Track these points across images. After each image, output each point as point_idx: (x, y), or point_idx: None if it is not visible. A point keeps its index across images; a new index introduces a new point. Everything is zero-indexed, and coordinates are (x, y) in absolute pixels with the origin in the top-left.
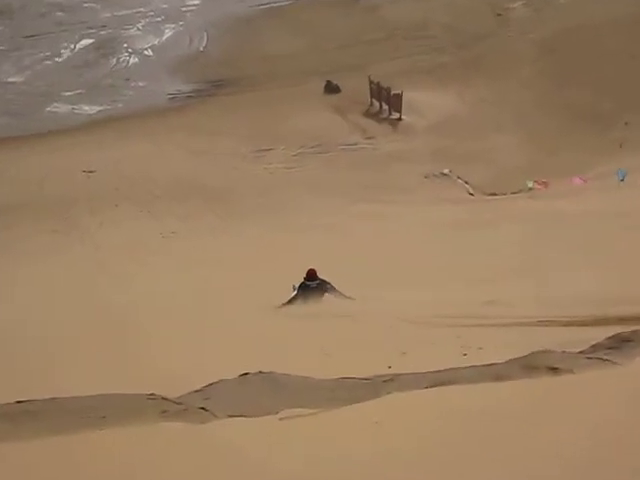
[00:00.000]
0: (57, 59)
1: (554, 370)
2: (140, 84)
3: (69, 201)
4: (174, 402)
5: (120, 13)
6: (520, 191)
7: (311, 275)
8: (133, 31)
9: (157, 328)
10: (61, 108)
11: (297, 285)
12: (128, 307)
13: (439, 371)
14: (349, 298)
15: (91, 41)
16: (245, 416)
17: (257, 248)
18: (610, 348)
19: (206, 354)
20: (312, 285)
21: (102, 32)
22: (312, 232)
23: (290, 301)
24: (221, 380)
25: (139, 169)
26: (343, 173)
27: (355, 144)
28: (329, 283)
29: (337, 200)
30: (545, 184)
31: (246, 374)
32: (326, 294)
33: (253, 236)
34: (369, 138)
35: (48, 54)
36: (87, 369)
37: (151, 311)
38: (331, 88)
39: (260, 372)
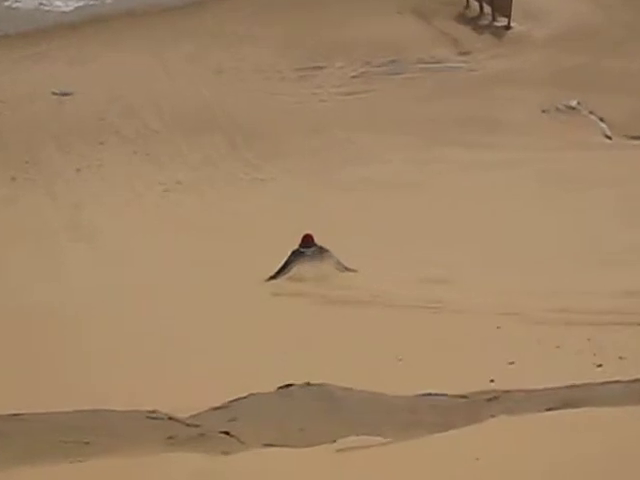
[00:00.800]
0: None
1: None
2: None
3: (34, 136)
4: (185, 423)
5: None
6: None
7: (307, 241)
8: None
9: (154, 318)
10: (23, 3)
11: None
12: (112, 289)
13: (564, 387)
14: (350, 270)
15: None
16: (287, 446)
17: (294, 210)
18: None
19: (225, 355)
20: (307, 253)
21: None
22: (377, 189)
23: (278, 272)
24: (251, 394)
25: (134, 92)
26: (425, 103)
27: (443, 62)
28: (328, 250)
29: (415, 142)
30: None
31: (288, 386)
32: (323, 263)
33: (291, 192)
34: (464, 54)
35: None
36: (62, 374)
37: (144, 295)
38: None
39: (308, 384)
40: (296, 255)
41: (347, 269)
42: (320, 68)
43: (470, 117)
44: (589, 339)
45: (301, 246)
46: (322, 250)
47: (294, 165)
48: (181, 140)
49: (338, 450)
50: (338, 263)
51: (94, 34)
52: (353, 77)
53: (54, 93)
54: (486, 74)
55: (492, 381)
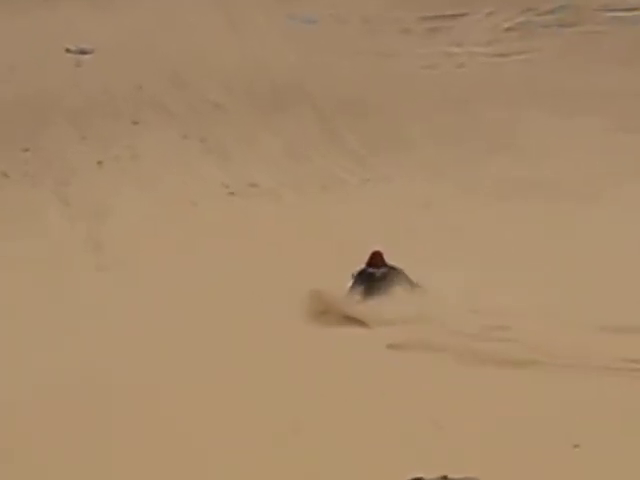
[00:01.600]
0: None
1: None
2: None
3: (38, 113)
4: None
5: None
6: None
7: (376, 260)
8: None
9: (222, 380)
10: None
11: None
12: (154, 342)
13: None
14: (419, 287)
15: None
16: None
17: (415, 223)
18: None
19: (327, 435)
20: (377, 274)
21: None
22: (539, 194)
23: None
24: None
25: (182, 50)
26: (613, 70)
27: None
28: (401, 271)
29: (599, 125)
30: None
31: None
32: (395, 287)
33: (412, 198)
34: None
35: None
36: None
37: (205, 347)
38: None
39: (445, 478)
40: (361, 276)
41: (417, 287)
42: (459, 17)
43: None
44: None
45: (368, 266)
46: (394, 270)
47: (418, 159)
48: (253, 120)
49: None
50: (414, 287)
51: None
52: (507, 30)
53: (68, 50)
54: None
55: None
